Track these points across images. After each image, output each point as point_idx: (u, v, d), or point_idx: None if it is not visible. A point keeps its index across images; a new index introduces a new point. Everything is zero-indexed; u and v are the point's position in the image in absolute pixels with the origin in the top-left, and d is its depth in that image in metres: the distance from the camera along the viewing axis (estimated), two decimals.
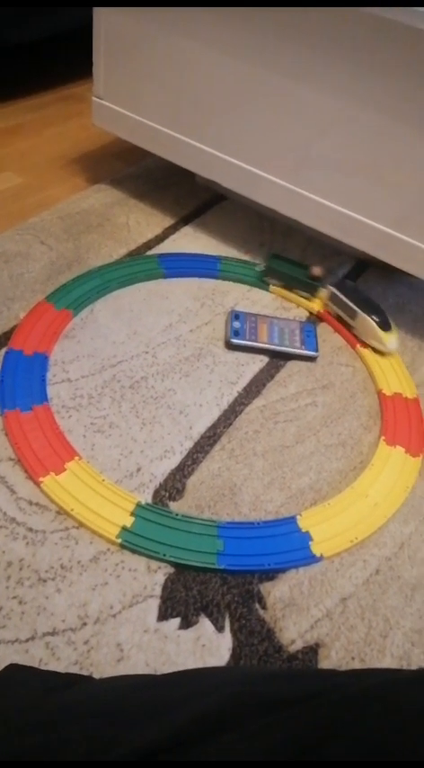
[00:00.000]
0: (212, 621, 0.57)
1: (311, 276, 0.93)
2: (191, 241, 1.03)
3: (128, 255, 0.97)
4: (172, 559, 0.60)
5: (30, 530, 0.61)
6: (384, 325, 0.87)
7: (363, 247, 0.89)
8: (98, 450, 0.69)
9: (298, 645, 0.57)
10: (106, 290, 0.89)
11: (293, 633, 0.57)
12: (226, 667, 0.54)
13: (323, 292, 0.93)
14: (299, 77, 0.81)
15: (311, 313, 0.95)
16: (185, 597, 0.58)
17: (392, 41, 0.72)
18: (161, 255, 0.97)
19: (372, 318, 0.87)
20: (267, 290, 0.97)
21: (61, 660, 0.53)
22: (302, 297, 0.94)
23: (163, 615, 0.57)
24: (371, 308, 0.89)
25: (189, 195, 1.14)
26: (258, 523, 0.65)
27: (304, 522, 0.66)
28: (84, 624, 0.55)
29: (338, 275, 0.98)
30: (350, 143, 0.82)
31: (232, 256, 1.01)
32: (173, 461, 0.70)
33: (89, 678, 0.50)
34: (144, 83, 0.97)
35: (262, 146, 0.90)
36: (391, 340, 0.87)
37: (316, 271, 0.92)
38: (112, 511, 0.63)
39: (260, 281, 0.96)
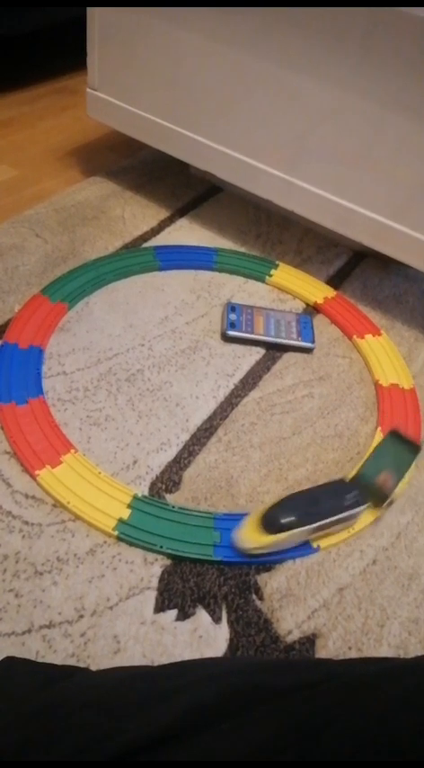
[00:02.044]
0: (209, 613, 0.57)
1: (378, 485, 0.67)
2: (187, 233, 1.03)
3: (123, 248, 0.97)
4: (168, 551, 0.60)
5: (27, 523, 0.61)
6: (266, 526, 0.61)
7: (359, 238, 0.89)
8: (94, 443, 0.69)
9: (295, 635, 0.57)
10: (101, 283, 0.89)
11: (290, 624, 0.58)
12: (223, 658, 0.54)
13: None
14: (295, 67, 0.80)
15: (307, 304, 0.95)
16: (182, 589, 0.58)
17: (388, 30, 0.71)
18: (156, 248, 0.97)
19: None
20: (263, 281, 0.96)
21: (58, 652, 0.53)
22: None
23: (160, 607, 0.57)
24: (327, 513, 0.62)
25: (184, 187, 1.14)
26: None
27: None
28: (81, 616, 0.55)
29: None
30: (347, 133, 0.81)
31: (228, 248, 1.01)
32: (170, 454, 0.70)
33: (86, 670, 0.50)
34: (138, 74, 0.96)
35: (258, 136, 0.89)
36: (253, 539, 0.60)
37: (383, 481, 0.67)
38: (109, 503, 0.63)
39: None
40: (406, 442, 0.72)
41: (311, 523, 0.61)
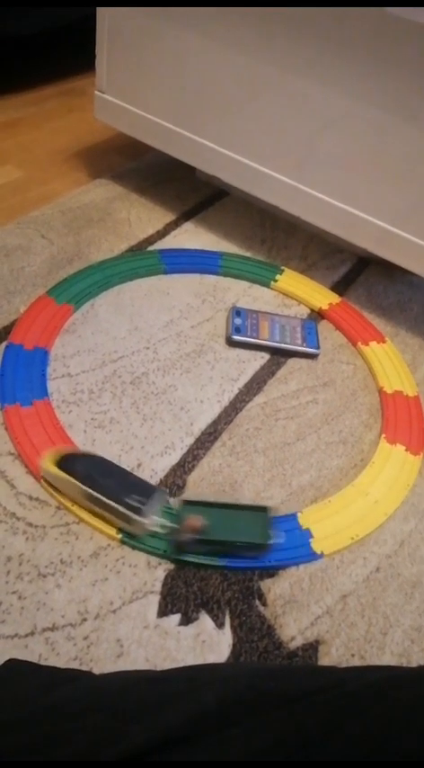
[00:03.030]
0: (212, 618, 0.57)
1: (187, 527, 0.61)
2: (192, 237, 1.03)
3: (128, 251, 0.97)
4: (172, 555, 0.60)
5: (30, 525, 0.61)
6: (61, 460, 0.62)
7: (365, 245, 0.89)
8: (98, 446, 0.69)
9: (298, 642, 0.57)
10: (107, 285, 0.89)
11: (293, 630, 0.57)
12: (226, 663, 0.54)
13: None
14: (303, 73, 0.81)
15: (312, 310, 0.95)
16: (185, 593, 0.58)
17: (395, 37, 0.72)
18: (162, 251, 0.97)
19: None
20: (268, 286, 0.97)
21: (61, 655, 0.53)
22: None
23: (164, 611, 0.57)
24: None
25: (190, 191, 1.14)
26: None
27: (304, 520, 0.66)
28: (84, 620, 0.55)
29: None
30: (354, 140, 0.82)
31: (233, 253, 1.01)
32: (174, 457, 0.70)
33: (89, 674, 0.50)
34: (147, 77, 0.96)
35: (265, 142, 0.90)
36: (47, 461, 0.62)
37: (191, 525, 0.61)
38: None
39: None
40: (264, 530, 0.62)
41: (88, 488, 0.60)
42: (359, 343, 0.89)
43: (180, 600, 0.58)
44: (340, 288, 0.99)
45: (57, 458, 0.63)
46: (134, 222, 1.03)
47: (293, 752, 0.32)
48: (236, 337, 0.84)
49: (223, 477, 0.69)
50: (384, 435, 0.76)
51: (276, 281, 0.97)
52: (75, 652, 0.53)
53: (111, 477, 0.62)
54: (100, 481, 0.61)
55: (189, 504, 0.63)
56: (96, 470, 0.63)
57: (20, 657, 0.51)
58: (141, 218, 1.05)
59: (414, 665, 0.57)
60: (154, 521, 0.61)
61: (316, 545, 0.64)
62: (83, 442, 0.69)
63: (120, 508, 0.60)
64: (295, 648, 0.56)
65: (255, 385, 0.80)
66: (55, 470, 0.61)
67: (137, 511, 0.60)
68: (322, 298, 0.96)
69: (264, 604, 0.59)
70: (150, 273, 0.93)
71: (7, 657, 0.49)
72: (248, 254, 1.01)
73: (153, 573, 0.59)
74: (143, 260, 0.94)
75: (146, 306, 0.88)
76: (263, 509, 0.64)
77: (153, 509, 0.61)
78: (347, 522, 0.66)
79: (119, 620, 0.55)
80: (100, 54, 0.99)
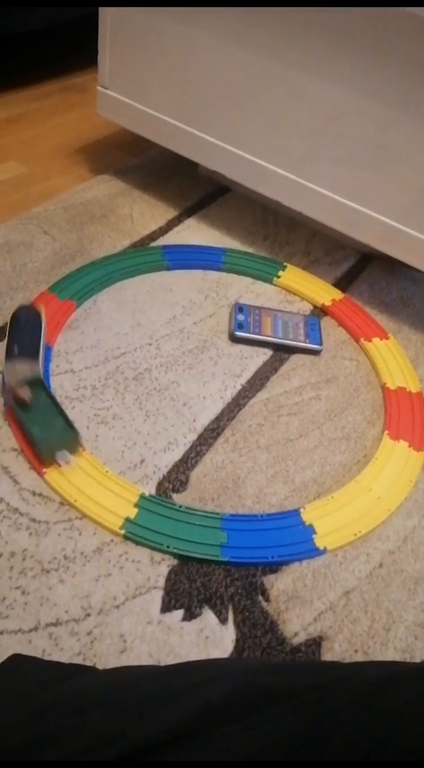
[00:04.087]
0: (215, 613, 0.57)
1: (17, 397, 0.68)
2: (195, 233, 1.03)
3: (131, 247, 0.97)
4: (175, 551, 0.60)
5: (34, 520, 0.61)
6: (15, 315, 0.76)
7: (368, 240, 0.89)
8: (101, 442, 0.69)
9: (301, 637, 0.57)
10: (109, 282, 0.89)
11: (296, 626, 0.57)
12: (230, 659, 0.54)
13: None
14: (306, 68, 0.80)
15: (315, 306, 0.94)
16: (189, 589, 0.58)
17: (399, 32, 0.71)
18: (164, 247, 0.97)
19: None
20: (271, 282, 0.96)
21: (64, 651, 0.53)
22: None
23: (167, 607, 0.57)
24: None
25: (193, 187, 1.14)
26: (261, 516, 0.65)
27: (307, 516, 0.66)
28: (88, 615, 0.55)
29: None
30: (357, 135, 0.81)
31: (236, 249, 1.01)
32: (177, 453, 0.70)
33: (92, 669, 0.50)
34: (149, 73, 0.96)
35: (268, 137, 0.89)
36: None
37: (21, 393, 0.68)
38: (116, 502, 0.63)
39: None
40: (57, 445, 0.65)
41: (8, 330, 0.74)
42: (362, 340, 0.88)
43: (183, 595, 0.58)
44: (342, 284, 0.99)
45: (23, 306, 0.77)
46: (136, 218, 1.03)
47: (301, 745, 0.32)
48: (239, 333, 0.84)
49: (226, 474, 0.69)
50: (386, 431, 0.76)
51: (278, 277, 0.97)
52: (78, 647, 0.53)
53: (29, 334, 0.74)
54: (19, 331, 0.74)
55: (40, 385, 0.69)
56: (28, 324, 0.75)
57: (23, 653, 0.51)
58: (144, 214, 1.04)
59: (417, 660, 0.57)
60: (7, 371, 0.69)
61: (319, 541, 0.64)
62: (86, 438, 0.69)
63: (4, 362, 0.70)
64: (298, 644, 0.56)
65: (258, 381, 0.80)
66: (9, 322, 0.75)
67: (7, 354, 0.71)
68: (325, 294, 0.96)
69: (267, 600, 0.59)
70: (153, 269, 0.93)
71: (11, 653, 0.49)
72: (250, 250, 1.01)
73: (156, 568, 0.59)
74: (145, 256, 0.94)
75: (149, 302, 0.88)
76: (75, 434, 0.67)
77: (17, 365, 0.70)
78: (350, 518, 0.66)
79: (122, 615, 0.55)
80: (102, 50, 0.99)
